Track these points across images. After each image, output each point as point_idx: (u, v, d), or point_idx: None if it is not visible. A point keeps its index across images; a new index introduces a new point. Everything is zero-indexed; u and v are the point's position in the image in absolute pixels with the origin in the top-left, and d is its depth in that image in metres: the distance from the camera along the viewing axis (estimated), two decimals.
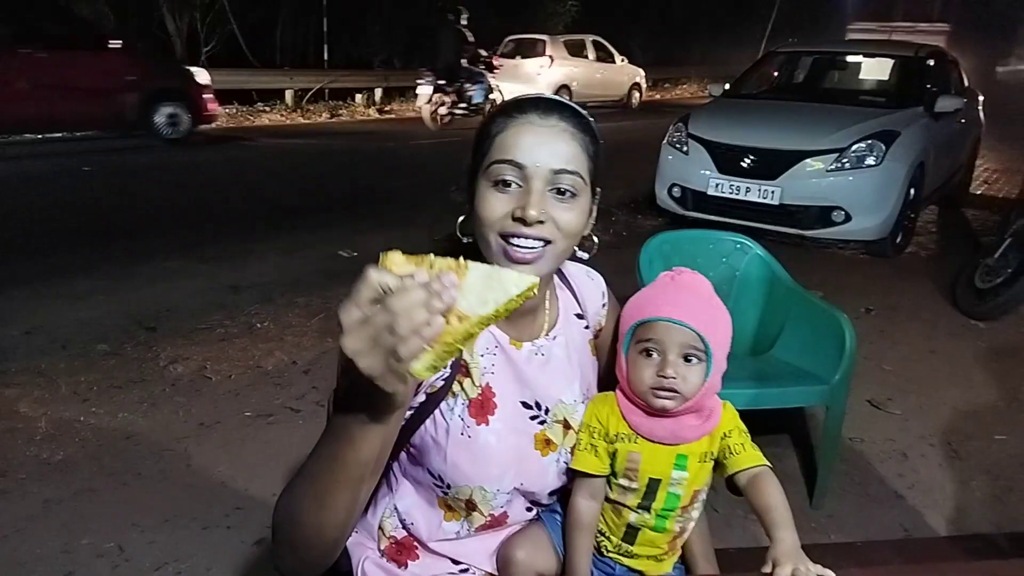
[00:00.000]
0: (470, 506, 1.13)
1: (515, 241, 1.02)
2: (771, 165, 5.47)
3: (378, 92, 15.39)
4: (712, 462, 1.18)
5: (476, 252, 1.09)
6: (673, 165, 6.05)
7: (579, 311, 1.28)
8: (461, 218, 1.12)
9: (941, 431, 3.19)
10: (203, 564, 2.20)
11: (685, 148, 5.94)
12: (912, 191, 5.59)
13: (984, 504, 2.70)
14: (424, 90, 11.38)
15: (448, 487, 1.12)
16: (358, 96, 15.10)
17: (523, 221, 1.01)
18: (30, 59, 8.43)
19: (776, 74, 7.73)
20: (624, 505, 1.18)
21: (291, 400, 3.22)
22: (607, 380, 1.26)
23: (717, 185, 5.65)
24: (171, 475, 2.65)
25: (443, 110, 11.72)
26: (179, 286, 4.54)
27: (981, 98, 7.67)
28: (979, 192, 7.74)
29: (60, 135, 9.79)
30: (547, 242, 1.03)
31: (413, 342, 0.66)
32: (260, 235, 5.78)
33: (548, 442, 1.17)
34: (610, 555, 1.22)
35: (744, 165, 5.57)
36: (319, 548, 0.91)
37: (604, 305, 1.32)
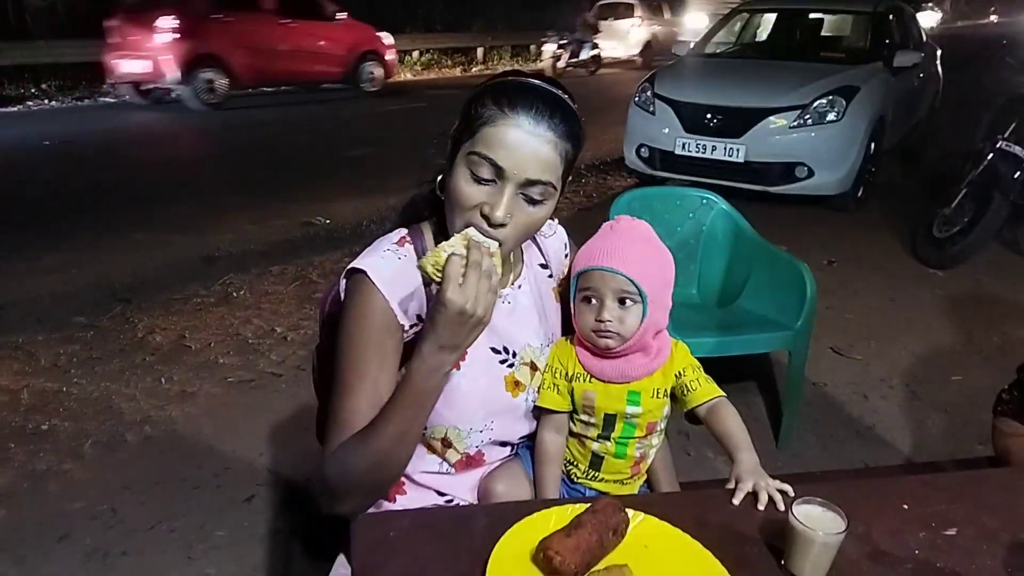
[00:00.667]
0: (445, 444, 1.23)
1: None
2: (735, 123, 5.55)
3: None
4: (667, 397, 1.28)
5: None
6: (641, 125, 6.10)
7: (543, 261, 1.37)
8: (439, 177, 1.18)
9: (900, 374, 3.34)
10: (196, 522, 2.27)
11: (652, 108, 5.99)
12: (872, 145, 5.73)
13: (940, 440, 2.85)
14: (549, 47, 15.55)
15: (424, 427, 1.21)
16: None
17: (488, 219, 1.08)
18: (287, 27, 11.03)
19: (740, 31, 7.77)
20: (586, 437, 1.29)
21: (272, 365, 3.27)
22: (569, 324, 1.35)
23: (684, 144, 5.72)
24: (158, 440, 2.70)
25: (560, 63, 15.53)
26: (150, 257, 4.53)
27: (939, 52, 7.80)
28: (936, 144, 7.90)
29: (290, 88, 12.01)
30: (499, 245, 1.09)
31: (495, 276, 1.01)
32: (231, 205, 5.75)
33: (517, 383, 1.27)
34: (580, 481, 1.33)
35: (709, 124, 5.64)
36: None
37: (567, 255, 1.41)
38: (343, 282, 1.18)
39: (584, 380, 1.26)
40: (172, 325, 3.63)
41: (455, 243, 1.00)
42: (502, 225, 1.08)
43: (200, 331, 3.57)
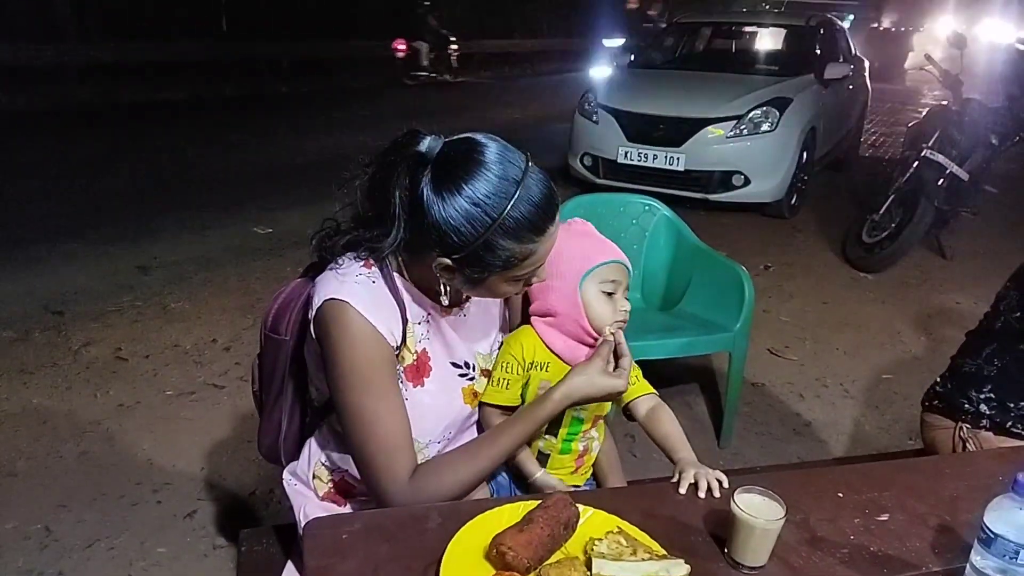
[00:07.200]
0: None
1: None
2: (676, 133, 5.70)
3: None
4: None
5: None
6: (584, 134, 6.19)
7: None
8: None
9: (834, 373, 3.47)
10: (136, 539, 2.21)
11: (595, 117, 6.09)
12: (804, 155, 5.94)
13: (873, 436, 2.97)
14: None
15: None
16: None
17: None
18: None
19: (679, 44, 7.96)
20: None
21: (213, 377, 3.20)
22: (514, 321, 1.40)
23: (626, 153, 5.84)
24: (94, 456, 2.61)
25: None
26: (83, 269, 4.37)
27: (867, 64, 8.13)
28: (866, 154, 8.23)
29: None
30: None
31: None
32: (166, 213, 5.59)
33: (475, 394, 1.30)
34: None
35: (651, 133, 5.77)
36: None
37: None
38: (316, 309, 1.13)
39: (541, 369, 1.28)
40: (107, 337, 3.52)
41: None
42: None
43: (137, 343, 3.47)
